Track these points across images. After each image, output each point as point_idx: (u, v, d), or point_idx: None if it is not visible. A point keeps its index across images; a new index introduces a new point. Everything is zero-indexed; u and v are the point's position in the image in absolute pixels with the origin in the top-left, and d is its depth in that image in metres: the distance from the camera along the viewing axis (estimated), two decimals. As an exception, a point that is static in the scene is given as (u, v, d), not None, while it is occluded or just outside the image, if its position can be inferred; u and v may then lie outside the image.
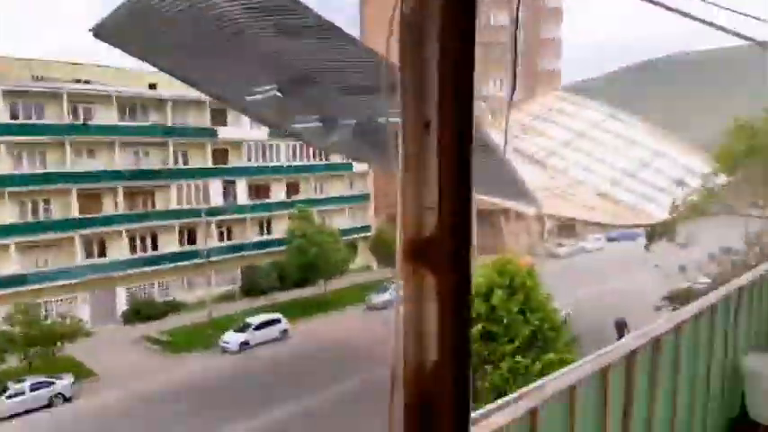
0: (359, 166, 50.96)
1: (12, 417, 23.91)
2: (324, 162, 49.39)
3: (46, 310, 30.55)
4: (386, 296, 39.12)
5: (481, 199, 50.48)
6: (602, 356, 3.30)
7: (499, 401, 2.50)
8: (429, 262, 1.52)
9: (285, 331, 33.12)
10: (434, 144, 1.50)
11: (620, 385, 3.32)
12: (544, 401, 2.43)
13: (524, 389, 2.66)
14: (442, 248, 1.51)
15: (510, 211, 57.07)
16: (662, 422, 3.96)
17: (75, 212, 35.66)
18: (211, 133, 42.16)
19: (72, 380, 26.06)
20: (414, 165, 1.53)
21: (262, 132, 43.97)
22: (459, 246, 1.54)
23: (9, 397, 24.26)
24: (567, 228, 65.34)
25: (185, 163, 41.32)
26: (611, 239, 60.54)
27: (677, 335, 4.16)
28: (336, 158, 49.84)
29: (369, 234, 50.08)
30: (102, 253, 36.94)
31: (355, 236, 48.82)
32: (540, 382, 2.71)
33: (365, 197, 52.31)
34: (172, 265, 38.82)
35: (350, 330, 33.22)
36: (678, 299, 26.68)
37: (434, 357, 1.54)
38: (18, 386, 24.79)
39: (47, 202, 35.51)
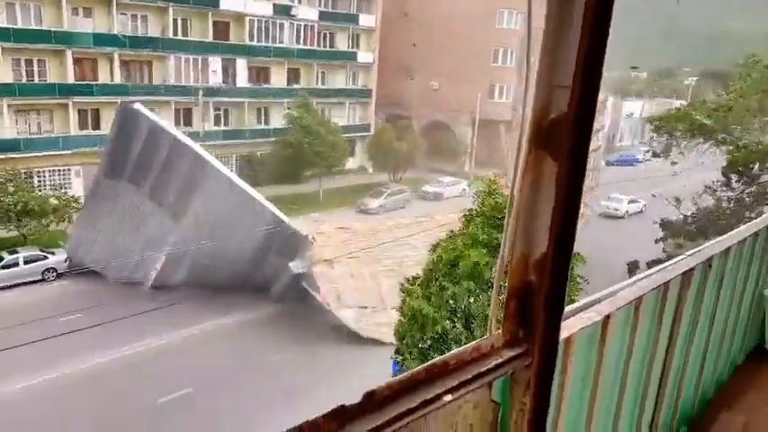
0: (363, 57, 49.12)
1: (3, 288, 24.46)
2: (329, 48, 47.41)
3: (39, 181, 30.28)
4: (379, 201, 39.50)
5: (483, 109, 49.66)
6: (663, 272, 3.20)
7: (574, 305, 2.47)
8: (551, 146, 1.54)
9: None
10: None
11: (673, 304, 3.22)
12: (617, 309, 2.39)
13: (596, 294, 2.56)
14: (566, 132, 1.52)
15: (511, 121, 56.24)
16: (697, 348, 3.89)
17: (70, 77, 34.39)
18: (213, 1, 39.77)
19: (65, 256, 26.55)
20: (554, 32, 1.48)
21: (267, 7, 41.69)
22: (582, 130, 1.55)
23: (3, 267, 24.76)
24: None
25: (185, 34, 39.38)
26: (609, 164, 60.45)
27: (725, 258, 4.02)
28: (342, 44, 47.87)
29: (367, 134, 49.28)
30: (97, 125, 36.12)
31: (353, 134, 48.05)
32: (610, 288, 2.65)
33: (367, 92, 50.78)
34: (167, 145, 38.18)
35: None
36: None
37: (543, 249, 1.60)
38: (12, 257, 25.23)
39: (42, 63, 34.08)
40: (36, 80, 33.97)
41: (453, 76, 52.10)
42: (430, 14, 52.88)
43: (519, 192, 1.61)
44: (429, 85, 54.67)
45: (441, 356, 1.47)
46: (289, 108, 42.33)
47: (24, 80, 33.50)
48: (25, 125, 34.14)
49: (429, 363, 1.42)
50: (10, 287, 24.46)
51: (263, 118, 44.27)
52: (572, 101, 1.49)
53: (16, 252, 25.63)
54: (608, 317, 2.23)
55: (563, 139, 1.53)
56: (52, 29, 33.46)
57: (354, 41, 49.19)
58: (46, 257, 26.00)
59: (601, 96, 1.61)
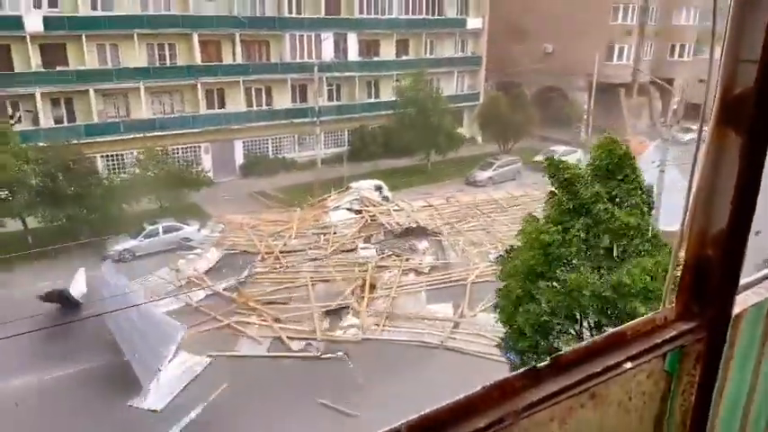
0: (473, 23, 48.00)
1: (145, 256, 27.01)
2: (437, 17, 46.80)
3: (173, 157, 33.02)
4: (488, 173, 38.85)
5: (601, 72, 46.69)
6: None
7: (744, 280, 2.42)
8: (735, 121, 1.55)
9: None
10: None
11: None
12: None
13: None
14: (751, 108, 1.52)
15: (632, 84, 52.66)
16: None
17: (197, 59, 36.87)
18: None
19: (198, 226, 28.93)
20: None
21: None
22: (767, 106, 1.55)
23: (146, 236, 27.47)
24: (696, 109, 59.74)
25: (299, 12, 40.61)
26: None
27: None
28: (451, 11, 47.07)
29: (476, 103, 48.39)
30: (222, 104, 38.62)
31: (462, 104, 47.40)
32: None
33: (477, 60, 49.64)
34: (285, 121, 40.08)
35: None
36: None
37: (722, 225, 1.62)
38: (153, 227, 27.88)
39: (172, 47, 36.82)
40: (167, 63, 36.81)
41: (568, 37, 49.47)
42: (543, -27, 50.46)
43: (701, 167, 1.61)
44: (542, 48, 52.39)
45: (617, 327, 1.55)
46: (398, 80, 42.56)
47: (157, 63, 36.42)
48: (160, 106, 37.27)
49: (607, 333, 1.51)
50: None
51: (372, 91, 44.91)
52: (759, 76, 1.47)
53: (156, 223, 28.27)
54: None
55: (748, 114, 1.52)
56: (180, 14, 35.91)
57: (463, 7, 48.13)
58: (181, 228, 28.44)
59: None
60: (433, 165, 40.63)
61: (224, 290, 23.79)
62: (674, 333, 1.64)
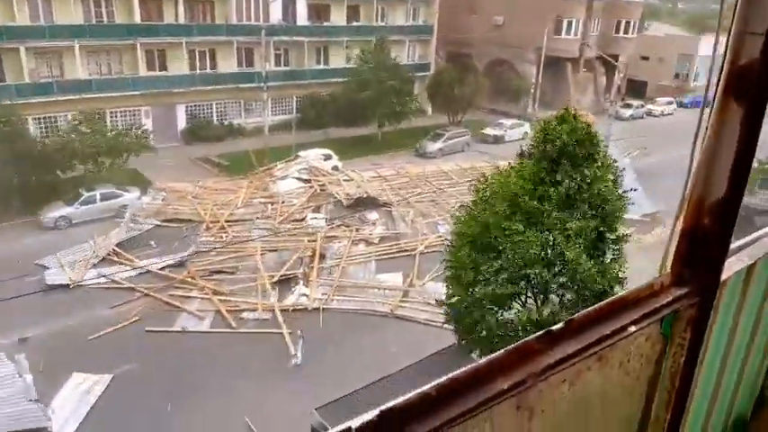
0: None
1: (81, 223, 25.86)
2: (390, -18, 46.12)
3: (111, 121, 31.51)
4: (438, 145, 39.05)
5: (549, 46, 47.39)
6: None
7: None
8: (738, 92, 1.60)
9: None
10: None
11: None
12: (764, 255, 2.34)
13: (745, 239, 2.51)
14: (754, 79, 1.56)
15: (579, 59, 53.77)
16: None
17: (137, 18, 35.02)
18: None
19: (138, 194, 27.86)
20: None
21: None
22: None
23: (82, 203, 26.24)
24: (637, 86, 61.76)
25: (246, -31, 39.08)
26: (681, 105, 57.30)
27: None
28: (402, -23, 46.49)
29: (427, 73, 48.27)
30: (164, 66, 36.96)
31: (413, 74, 47.18)
32: (755, 234, 2.57)
33: (428, 29, 49.35)
34: (231, 86, 38.79)
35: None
36: None
37: (720, 193, 1.67)
38: (90, 194, 26.65)
39: (109, 3, 34.77)
40: (105, 21, 34.79)
41: (519, 10, 49.87)
42: (495, -56, 50.39)
43: (707, 137, 1.64)
44: (492, 20, 52.63)
45: (621, 293, 1.56)
46: (347, 47, 41.86)
47: (94, 21, 34.35)
48: (96, 66, 35.31)
49: (612, 298, 1.52)
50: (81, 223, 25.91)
51: (322, 58, 44.03)
52: (764, 48, 1.50)
53: (93, 189, 27.03)
54: (754, 263, 2.21)
55: (750, 85, 1.55)
56: (118, -32, 33.91)
57: (416, -25, 47.63)
58: (120, 195, 27.34)
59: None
60: (383, 135, 40.47)
61: (166, 264, 22.99)
62: (669, 298, 1.69)
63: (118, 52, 35.54)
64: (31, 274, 21.40)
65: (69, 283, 21.20)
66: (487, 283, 12.38)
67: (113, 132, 29.21)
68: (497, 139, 42.55)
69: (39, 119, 32.41)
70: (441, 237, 25.74)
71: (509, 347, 1.23)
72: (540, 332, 1.29)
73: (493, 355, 1.21)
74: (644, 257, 23.61)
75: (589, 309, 1.43)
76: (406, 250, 25.28)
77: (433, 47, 49.96)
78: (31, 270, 21.70)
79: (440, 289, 20.00)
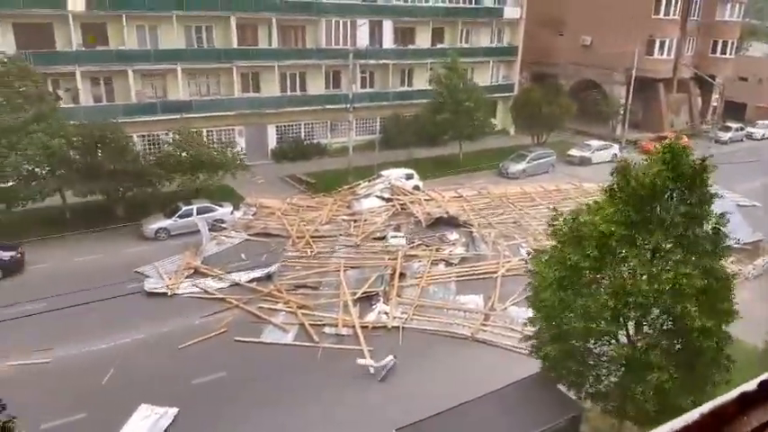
0: (510, 12, 47.26)
1: (178, 235, 27.34)
2: (474, 5, 46.16)
3: (207, 139, 33.31)
4: (521, 165, 38.37)
5: (640, 66, 45.53)
6: None
7: None
8: None
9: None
10: None
11: None
12: None
13: None
14: None
15: (672, 80, 51.35)
16: None
17: (234, 42, 37.02)
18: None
19: (231, 209, 29.21)
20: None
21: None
22: None
23: (180, 216, 27.81)
24: (735, 107, 58.12)
25: (335, -5, 40.42)
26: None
27: None
28: (488, 0, 46.40)
29: (511, 94, 47.75)
30: (257, 88, 38.80)
31: (496, 94, 46.82)
32: None
33: (513, 51, 48.89)
34: (318, 107, 40.12)
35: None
36: None
37: None
38: (187, 208, 28.20)
39: (209, 29, 37.02)
40: (205, 46, 37.04)
41: (607, 29, 48.48)
42: (584, -37, 49.40)
43: None
44: (579, 40, 51.44)
45: None
46: (431, 69, 42.16)
47: (195, 46, 36.67)
48: (196, 88, 37.61)
49: None
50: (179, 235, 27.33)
51: (406, 79, 44.64)
52: None
53: (190, 203, 28.61)
54: None
55: None
56: (218, -4, 36.04)
57: (501, -4, 47.45)
58: (215, 209, 28.75)
59: None
60: (465, 155, 40.30)
61: (254, 277, 23.89)
62: None
63: (216, 74, 37.68)
64: (132, 281, 22.88)
65: (166, 291, 22.51)
66: (578, 319, 11.92)
67: (210, 150, 30.76)
68: (584, 161, 41.30)
69: (143, 136, 34.84)
70: (523, 260, 25.22)
71: (703, 410, 1.19)
72: (736, 394, 1.25)
73: (687, 417, 1.18)
74: (747, 289, 22.12)
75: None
76: (488, 272, 24.95)
77: (517, 67, 49.41)
78: (131, 278, 23.22)
79: (522, 314, 19.63)
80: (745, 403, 1.25)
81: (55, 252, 25.54)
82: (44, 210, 27.63)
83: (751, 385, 1.27)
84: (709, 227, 11.72)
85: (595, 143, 43.79)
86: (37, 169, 26.20)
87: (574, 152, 42.49)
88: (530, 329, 14.71)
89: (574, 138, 46.57)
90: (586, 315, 11.70)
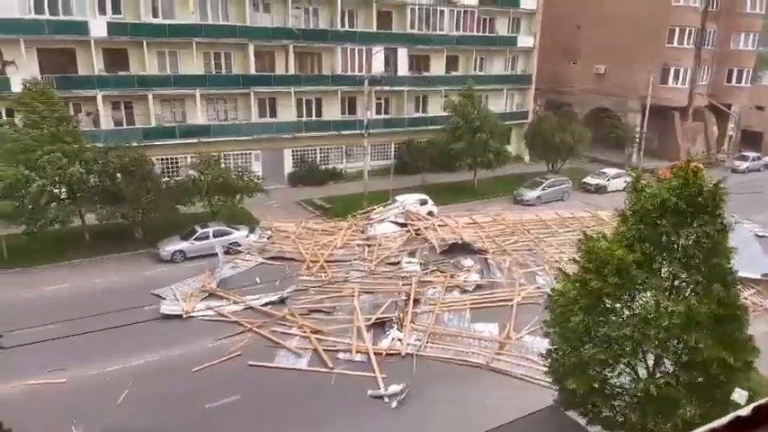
0: (524, 41, 47.72)
1: (195, 257, 27.62)
2: (488, 34, 46.66)
3: (225, 163, 33.73)
4: (536, 192, 38.33)
5: (655, 95, 45.60)
6: None
7: None
8: None
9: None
10: None
11: None
12: None
13: None
14: None
15: (687, 108, 51.32)
16: None
17: (252, 69, 37.69)
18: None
19: (247, 232, 29.40)
20: None
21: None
22: None
23: (197, 239, 28.04)
24: (751, 137, 57.81)
25: (351, 25, 41.12)
26: None
27: None
28: (502, 29, 46.93)
29: (525, 121, 47.98)
30: (274, 113, 39.38)
31: (510, 122, 47.02)
32: None
33: (527, 79, 49.23)
34: (334, 132, 40.60)
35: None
36: None
37: None
38: (204, 231, 28.45)
39: (228, 56, 37.76)
40: (223, 71, 37.75)
41: (621, 58, 48.77)
42: (597, -7, 49.95)
43: None
44: (593, 68, 51.75)
45: None
46: (445, 96, 42.52)
47: (213, 71, 37.38)
48: (214, 112, 38.25)
49: None
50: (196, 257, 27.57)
51: (421, 106, 45.07)
52: None
53: (207, 226, 28.85)
54: None
55: None
56: (237, 24, 36.85)
57: (514, 25, 47.98)
58: (231, 233, 28.95)
59: None
60: (480, 182, 40.38)
61: (268, 300, 23.92)
62: None
63: (233, 100, 38.35)
64: (148, 303, 22.99)
65: (182, 313, 22.58)
66: (600, 348, 11.75)
67: (227, 174, 31.08)
68: (599, 189, 41.17)
69: (162, 159, 35.37)
70: (539, 288, 25.05)
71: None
72: (729, 418, 1.25)
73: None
74: (765, 322, 21.70)
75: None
76: (503, 300, 24.76)
77: (531, 95, 49.71)
78: (148, 300, 23.34)
79: (537, 343, 19.40)
80: (738, 428, 1.26)
81: (75, 271, 25.85)
82: (65, 231, 27.99)
83: (745, 410, 1.28)
84: (724, 258, 11.53)
85: (611, 171, 43.68)
86: (56, 191, 26.61)
87: (589, 180, 42.40)
88: (543, 360, 14.47)
89: (589, 165, 46.53)
90: (608, 344, 11.54)
